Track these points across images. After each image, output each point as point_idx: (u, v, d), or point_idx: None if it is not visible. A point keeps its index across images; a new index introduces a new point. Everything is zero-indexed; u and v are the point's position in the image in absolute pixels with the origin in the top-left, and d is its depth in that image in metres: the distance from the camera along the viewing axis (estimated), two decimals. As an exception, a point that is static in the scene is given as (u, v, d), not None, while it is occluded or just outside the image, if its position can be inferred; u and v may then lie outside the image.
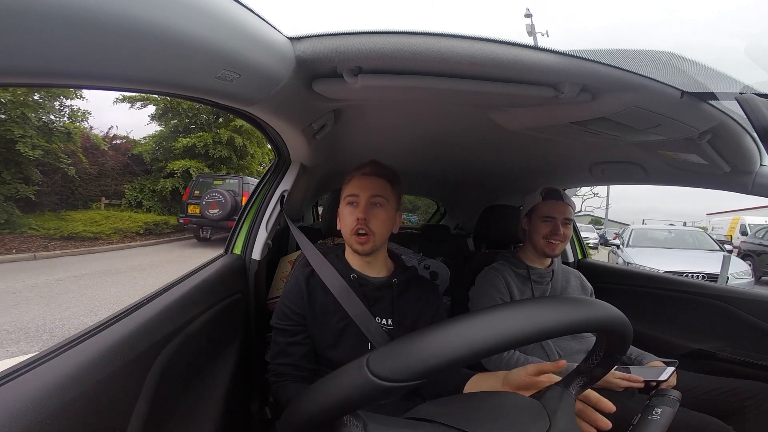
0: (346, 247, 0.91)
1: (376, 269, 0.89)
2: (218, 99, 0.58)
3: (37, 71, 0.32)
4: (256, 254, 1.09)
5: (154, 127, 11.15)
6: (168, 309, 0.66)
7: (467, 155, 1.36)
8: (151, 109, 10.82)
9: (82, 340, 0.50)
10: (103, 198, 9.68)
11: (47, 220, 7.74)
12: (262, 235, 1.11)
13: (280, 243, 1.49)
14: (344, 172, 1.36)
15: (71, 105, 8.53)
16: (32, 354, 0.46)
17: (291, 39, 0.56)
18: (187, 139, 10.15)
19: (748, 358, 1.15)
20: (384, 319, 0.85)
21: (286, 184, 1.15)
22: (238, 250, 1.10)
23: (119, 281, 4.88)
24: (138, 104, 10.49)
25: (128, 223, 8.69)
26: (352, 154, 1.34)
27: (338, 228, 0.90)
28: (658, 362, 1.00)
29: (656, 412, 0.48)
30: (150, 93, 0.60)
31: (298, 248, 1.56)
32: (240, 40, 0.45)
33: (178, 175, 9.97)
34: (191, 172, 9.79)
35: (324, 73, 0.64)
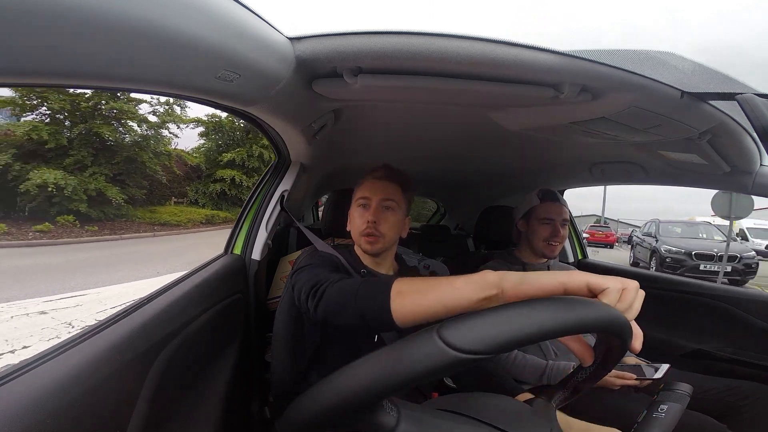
0: (356, 246, 0.92)
1: (384, 268, 0.91)
2: (218, 99, 0.58)
3: (37, 71, 0.32)
4: (256, 254, 1.09)
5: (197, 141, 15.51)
6: (168, 309, 0.66)
7: (467, 155, 1.36)
8: (200, 128, 14.90)
9: (82, 340, 0.50)
10: (173, 197, 13.57)
11: (144, 213, 11.57)
12: (262, 235, 1.11)
13: (280, 243, 1.49)
14: (344, 172, 1.36)
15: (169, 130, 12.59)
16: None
17: (291, 39, 0.56)
18: (230, 154, 13.91)
19: (748, 358, 1.15)
20: None
21: (286, 184, 1.15)
22: (238, 250, 1.10)
23: (205, 246, 7.75)
24: (191, 125, 14.36)
25: (194, 215, 12.61)
26: (351, 154, 1.34)
27: (348, 229, 0.91)
28: (633, 359, 1.01)
29: (662, 409, 0.46)
30: (150, 93, 0.61)
31: (298, 248, 1.56)
32: (240, 40, 0.45)
33: (228, 181, 13.57)
34: (236, 179, 13.51)
35: (324, 73, 0.64)
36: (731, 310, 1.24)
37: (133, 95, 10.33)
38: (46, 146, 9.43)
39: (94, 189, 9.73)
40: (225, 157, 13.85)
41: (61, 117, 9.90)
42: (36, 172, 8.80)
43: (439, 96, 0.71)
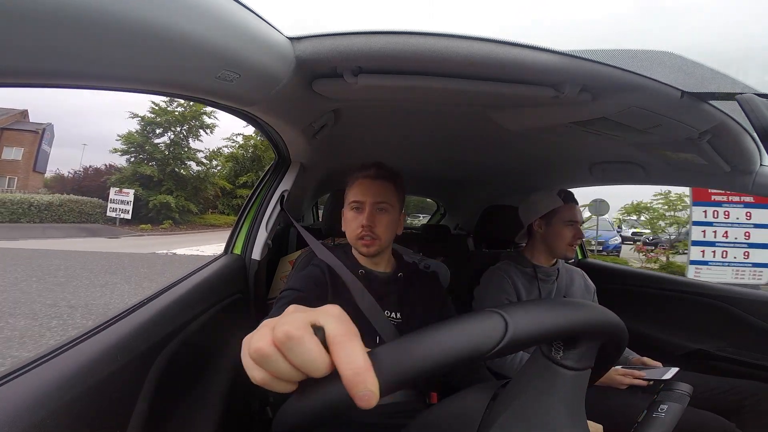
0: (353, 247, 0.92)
1: (382, 266, 0.90)
2: (218, 99, 0.58)
3: (38, 71, 0.32)
4: (256, 254, 1.09)
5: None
6: (168, 309, 0.66)
7: (467, 155, 1.36)
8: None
9: (82, 340, 0.50)
10: (209, 209, 19.26)
11: (200, 219, 17.33)
12: (262, 235, 1.11)
13: (280, 243, 1.49)
14: (344, 172, 1.35)
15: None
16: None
17: (291, 39, 0.56)
18: (243, 178, 19.41)
19: (748, 358, 1.15)
20: (392, 313, 0.85)
21: (286, 184, 1.15)
22: (238, 250, 1.10)
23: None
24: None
25: (225, 219, 17.77)
26: (352, 154, 1.34)
27: (342, 229, 0.91)
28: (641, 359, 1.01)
29: (662, 409, 0.46)
30: (150, 93, 0.61)
31: (298, 248, 1.56)
32: (240, 40, 0.45)
33: (244, 197, 21.75)
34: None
35: (324, 73, 0.64)
36: (731, 310, 1.24)
37: (192, 145, 17.32)
38: (153, 179, 16.12)
39: (182, 204, 16.51)
40: (240, 180, 19.70)
41: (155, 163, 16.69)
42: (157, 196, 15.71)
43: (439, 96, 0.71)
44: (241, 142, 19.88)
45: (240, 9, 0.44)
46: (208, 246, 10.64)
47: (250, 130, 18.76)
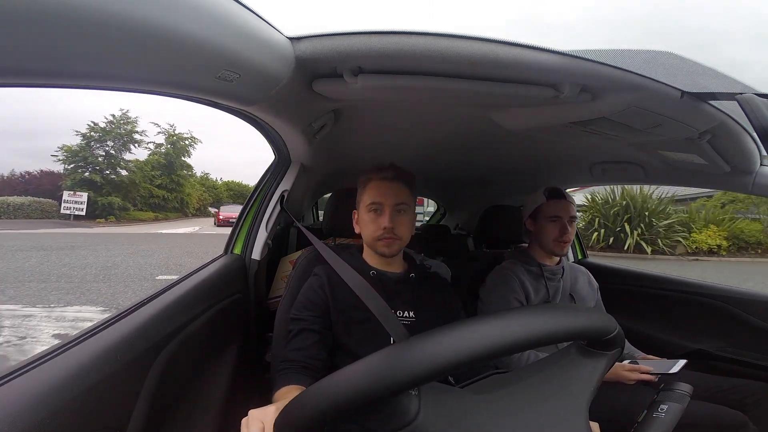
0: (365, 247, 0.92)
1: (394, 267, 0.90)
2: (218, 99, 0.58)
3: (37, 71, 0.32)
4: (256, 254, 1.09)
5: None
6: (168, 309, 0.67)
7: (467, 155, 1.36)
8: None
9: (82, 340, 0.50)
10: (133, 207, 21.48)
11: (127, 214, 19.13)
12: (261, 235, 1.11)
13: (280, 243, 1.49)
14: (344, 172, 1.35)
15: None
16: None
17: (291, 39, 0.56)
18: (159, 180, 22.01)
19: (748, 358, 1.15)
20: (406, 312, 0.85)
21: (286, 184, 1.15)
22: (238, 250, 1.10)
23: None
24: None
25: (150, 215, 20.50)
26: (351, 154, 1.34)
27: (357, 231, 0.91)
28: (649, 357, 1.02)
29: (662, 409, 0.46)
30: (150, 93, 0.60)
31: (298, 248, 1.56)
32: (240, 40, 0.45)
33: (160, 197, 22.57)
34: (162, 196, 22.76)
35: (324, 73, 0.64)
36: (731, 310, 1.24)
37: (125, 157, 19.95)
38: (97, 183, 18.65)
39: (121, 204, 18.88)
40: (157, 182, 22.16)
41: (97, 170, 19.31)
42: (106, 197, 18.30)
43: (439, 96, 0.71)
44: (153, 149, 22.44)
45: (240, 9, 0.44)
46: (167, 228, 15.18)
47: (161, 138, 22.63)
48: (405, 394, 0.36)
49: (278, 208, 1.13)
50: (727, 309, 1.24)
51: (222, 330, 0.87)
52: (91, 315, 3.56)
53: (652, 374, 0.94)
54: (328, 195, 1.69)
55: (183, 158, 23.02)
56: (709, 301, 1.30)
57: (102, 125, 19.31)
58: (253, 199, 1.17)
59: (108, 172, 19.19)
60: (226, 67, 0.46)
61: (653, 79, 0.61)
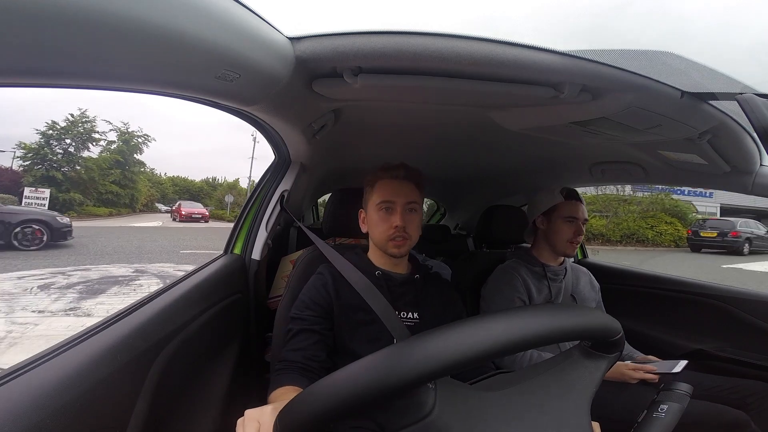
0: (371, 247, 0.91)
1: (400, 268, 0.90)
2: (218, 99, 0.58)
3: (37, 71, 0.32)
4: (256, 254, 1.09)
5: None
6: (168, 309, 0.66)
7: (467, 155, 1.36)
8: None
9: (82, 340, 0.50)
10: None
11: (83, 209, 18.98)
12: (262, 235, 1.11)
13: (280, 243, 1.49)
14: (345, 171, 1.34)
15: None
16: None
17: (291, 39, 0.56)
18: (112, 176, 22.23)
19: (748, 358, 1.15)
20: (410, 313, 0.85)
21: (286, 184, 1.15)
22: (238, 250, 1.10)
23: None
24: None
25: (105, 210, 20.40)
26: (352, 154, 1.34)
27: (364, 231, 0.90)
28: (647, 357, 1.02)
29: (662, 409, 0.46)
30: (150, 93, 0.60)
31: (298, 248, 1.56)
32: (240, 40, 0.45)
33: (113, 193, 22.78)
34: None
35: (324, 73, 0.64)
36: (731, 310, 1.24)
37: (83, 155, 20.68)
38: (57, 180, 19.14)
39: (80, 200, 19.31)
40: (110, 178, 22.44)
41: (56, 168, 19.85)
42: (66, 194, 18.56)
43: (439, 96, 0.71)
44: (105, 146, 22.79)
45: (240, 9, 0.44)
46: (134, 222, 16.30)
47: (113, 135, 22.91)
48: (423, 387, 0.36)
49: (278, 208, 1.13)
50: (727, 309, 1.24)
51: (222, 330, 0.87)
52: (167, 269, 5.79)
53: (655, 373, 0.94)
54: (328, 195, 1.69)
55: (135, 155, 23.38)
56: (709, 301, 1.30)
57: (62, 124, 19.91)
58: (253, 199, 1.17)
59: (66, 169, 19.63)
60: (226, 67, 0.46)
61: (653, 79, 0.61)
